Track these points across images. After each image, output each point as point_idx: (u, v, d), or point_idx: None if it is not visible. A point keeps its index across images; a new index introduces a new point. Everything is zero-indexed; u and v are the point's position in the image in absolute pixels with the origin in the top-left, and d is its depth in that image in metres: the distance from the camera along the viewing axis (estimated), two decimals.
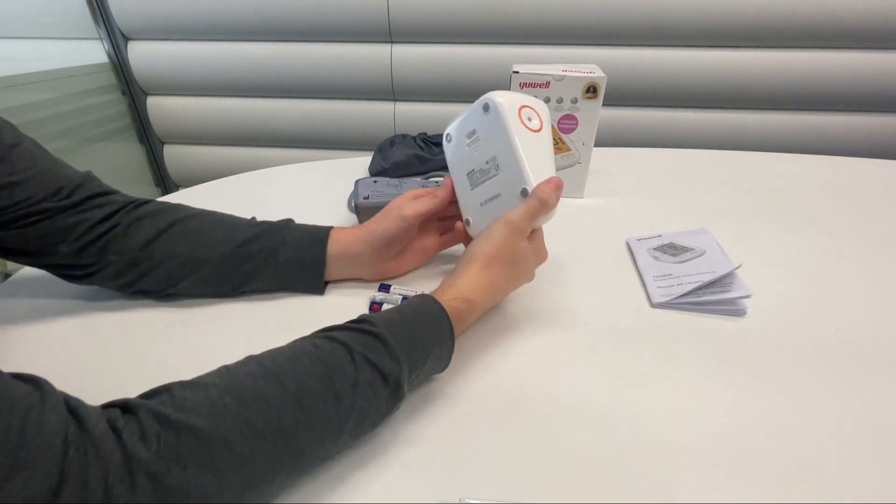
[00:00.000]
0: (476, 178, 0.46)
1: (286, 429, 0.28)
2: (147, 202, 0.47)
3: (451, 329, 0.37)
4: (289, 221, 0.49)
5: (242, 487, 0.27)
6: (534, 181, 0.43)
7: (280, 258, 0.47)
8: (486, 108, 0.44)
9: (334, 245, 0.48)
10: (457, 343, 0.38)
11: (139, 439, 0.24)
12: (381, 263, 0.50)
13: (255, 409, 0.28)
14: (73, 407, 0.25)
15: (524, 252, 0.43)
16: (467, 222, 0.48)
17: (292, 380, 0.30)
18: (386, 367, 0.32)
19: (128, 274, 0.45)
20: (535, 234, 0.45)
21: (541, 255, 0.46)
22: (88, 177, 0.45)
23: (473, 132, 0.46)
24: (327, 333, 0.34)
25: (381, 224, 0.48)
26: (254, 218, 0.50)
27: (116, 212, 0.44)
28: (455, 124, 0.48)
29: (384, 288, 0.49)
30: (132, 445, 0.24)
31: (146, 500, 0.24)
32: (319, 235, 0.48)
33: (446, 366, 0.38)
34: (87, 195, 0.43)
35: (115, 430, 0.24)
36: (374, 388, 0.32)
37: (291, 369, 0.30)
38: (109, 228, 0.43)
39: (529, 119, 0.45)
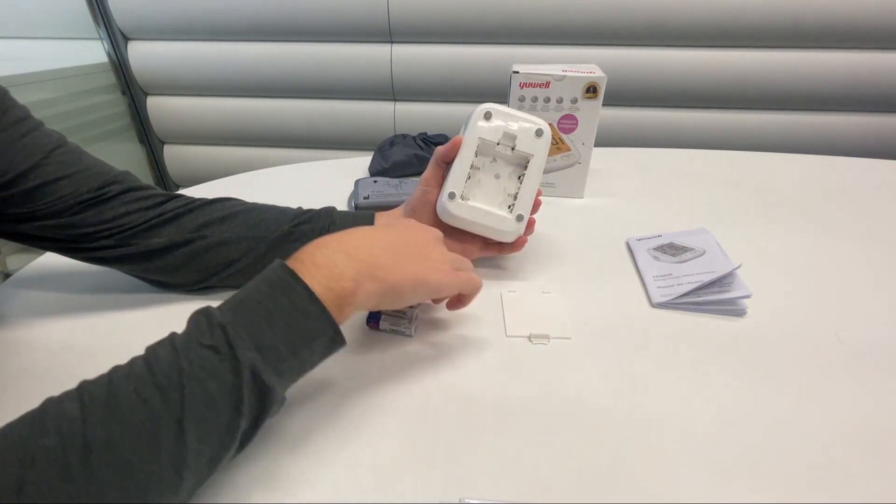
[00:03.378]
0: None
1: (94, 442, 0.24)
2: (189, 196, 0.48)
3: (288, 269, 0.31)
4: (333, 208, 0.51)
5: None
6: (546, 127, 0.48)
7: None
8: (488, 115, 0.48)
9: (380, 223, 0.50)
10: (456, 343, 0.37)
11: None
12: None
13: (54, 432, 0.24)
14: None
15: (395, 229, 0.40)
16: (451, 195, 0.48)
17: (101, 388, 0.26)
18: (209, 339, 0.28)
19: (174, 256, 0.45)
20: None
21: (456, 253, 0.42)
22: (128, 173, 0.47)
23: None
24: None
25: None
26: (300, 207, 0.51)
27: (163, 202, 0.46)
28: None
29: None
30: None
31: None
32: (367, 217, 0.51)
33: (325, 319, 0.31)
34: (129, 187, 0.45)
35: None
36: (206, 366, 0.27)
37: (106, 378, 0.27)
38: (157, 215, 0.45)
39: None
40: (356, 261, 0.34)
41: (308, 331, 0.31)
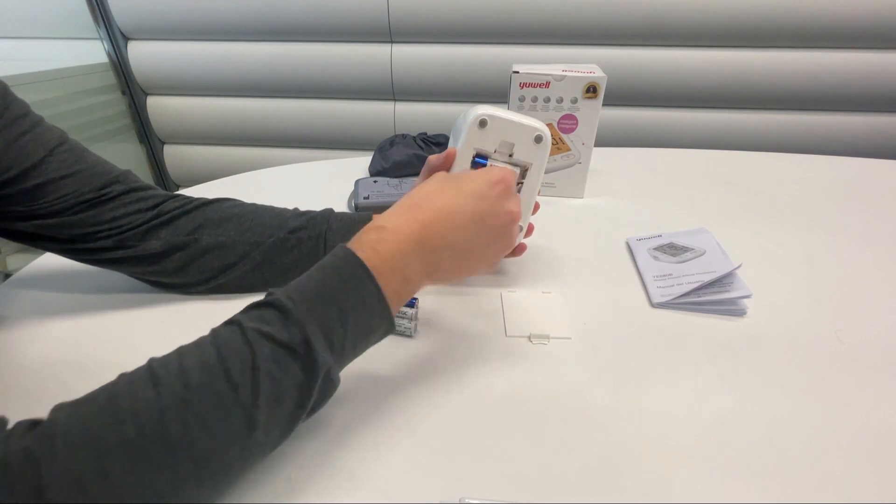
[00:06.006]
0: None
1: (173, 436, 0.25)
2: (187, 197, 0.48)
3: (365, 268, 0.31)
4: (331, 211, 0.51)
5: None
6: (546, 132, 0.44)
7: (329, 243, 0.48)
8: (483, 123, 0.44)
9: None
10: (456, 343, 0.37)
11: (7, 471, 0.22)
12: None
13: (132, 422, 0.24)
14: None
15: (473, 179, 0.38)
16: None
17: (177, 380, 0.26)
18: (286, 336, 0.28)
19: (171, 260, 0.45)
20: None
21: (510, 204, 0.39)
22: (129, 173, 0.46)
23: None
24: (231, 317, 0.30)
25: None
26: (296, 208, 0.51)
27: (161, 203, 0.46)
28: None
29: None
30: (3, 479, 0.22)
31: None
32: (364, 220, 0.50)
33: (387, 317, 0.32)
34: (130, 188, 0.45)
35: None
36: (280, 363, 0.28)
37: (178, 367, 0.27)
38: (154, 217, 0.45)
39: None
40: (427, 265, 0.35)
41: (371, 327, 0.32)
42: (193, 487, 0.25)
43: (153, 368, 0.27)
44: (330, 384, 0.31)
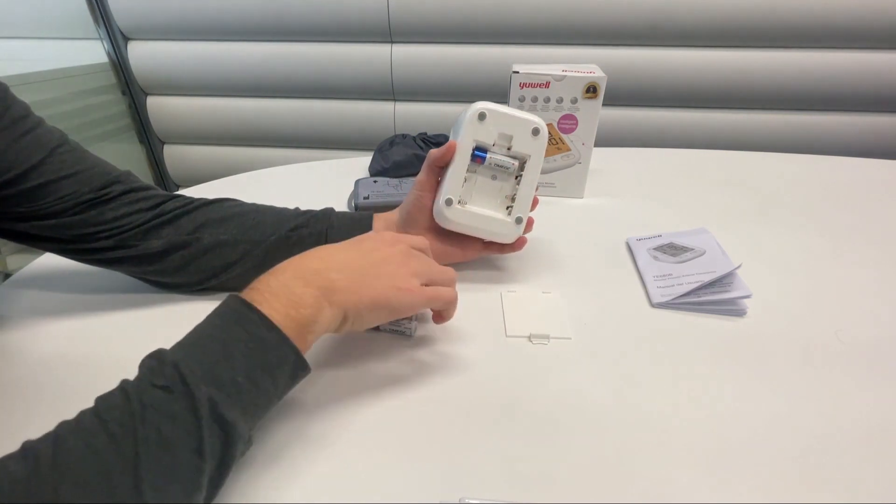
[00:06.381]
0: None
1: None
2: (188, 197, 0.48)
3: (243, 301, 0.31)
4: (331, 209, 0.51)
5: None
6: (542, 125, 0.46)
7: (331, 241, 0.47)
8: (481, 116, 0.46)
9: (377, 226, 0.50)
10: (456, 343, 0.37)
11: None
12: None
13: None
14: None
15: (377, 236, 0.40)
16: (448, 202, 0.47)
17: (48, 446, 0.24)
18: (162, 380, 0.27)
19: (172, 259, 0.45)
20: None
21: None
22: (130, 173, 0.47)
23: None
24: None
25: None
26: (297, 208, 0.51)
27: (161, 203, 0.46)
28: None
29: None
30: None
31: None
32: (364, 220, 0.50)
33: (286, 346, 0.31)
34: (130, 188, 0.45)
35: None
36: (160, 408, 0.26)
37: (52, 435, 0.25)
38: (155, 216, 0.45)
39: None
40: (312, 286, 0.33)
41: (268, 360, 0.30)
42: None
43: (24, 444, 0.24)
44: (227, 426, 0.27)
